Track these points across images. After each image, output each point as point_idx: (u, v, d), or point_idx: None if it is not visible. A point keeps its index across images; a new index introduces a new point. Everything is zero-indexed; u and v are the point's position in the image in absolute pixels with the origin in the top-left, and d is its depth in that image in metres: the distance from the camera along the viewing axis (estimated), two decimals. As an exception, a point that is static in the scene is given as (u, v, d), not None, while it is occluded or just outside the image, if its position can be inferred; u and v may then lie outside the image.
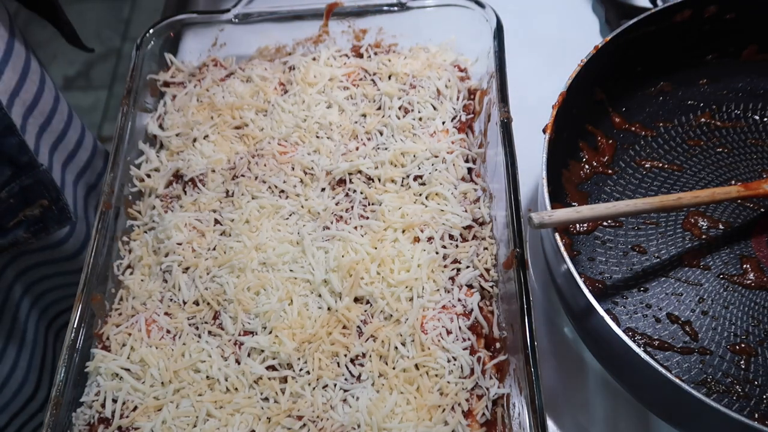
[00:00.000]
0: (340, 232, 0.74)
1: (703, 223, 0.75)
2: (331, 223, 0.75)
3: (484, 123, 0.83)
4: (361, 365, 0.67)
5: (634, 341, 0.58)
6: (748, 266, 0.72)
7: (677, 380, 0.56)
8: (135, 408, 0.66)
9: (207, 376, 0.68)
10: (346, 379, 0.67)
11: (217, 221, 0.79)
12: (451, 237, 0.74)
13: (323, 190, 0.79)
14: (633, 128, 0.84)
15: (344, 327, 0.69)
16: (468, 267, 0.72)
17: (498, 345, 0.68)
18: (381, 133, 0.83)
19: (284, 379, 0.67)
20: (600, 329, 0.60)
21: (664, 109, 0.85)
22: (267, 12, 0.93)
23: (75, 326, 0.70)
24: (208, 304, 0.73)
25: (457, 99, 0.86)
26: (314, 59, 0.91)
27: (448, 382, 0.65)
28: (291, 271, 0.73)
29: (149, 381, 0.68)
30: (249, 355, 0.69)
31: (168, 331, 0.71)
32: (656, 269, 0.73)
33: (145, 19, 2.48)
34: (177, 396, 0.67)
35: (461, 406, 0.64)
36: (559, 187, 0.78)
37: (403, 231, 0.74)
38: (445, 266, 0.72)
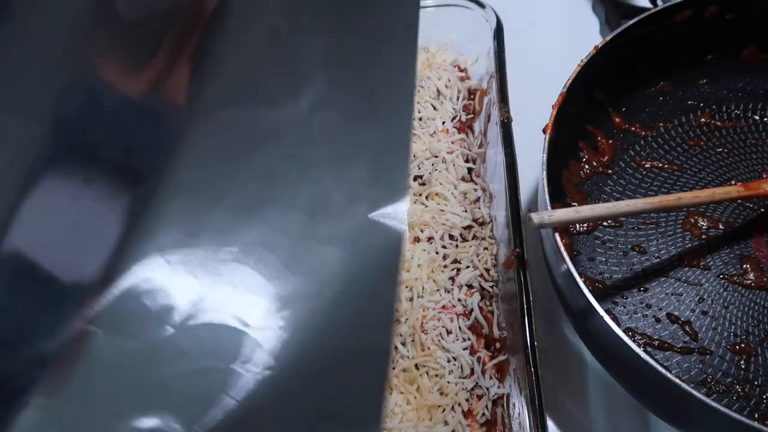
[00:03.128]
0: (340, 232, 0.73)
1: (703, 223, 0.75)
2: (331, 223, 0.75)
3: (484, 123, 0.83)
4: (361, 365, 0.67)
5: (634, 341, 0.58)
6: (748, 266, 0.72)
7: (677, 380, 0.56)
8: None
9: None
10: (345, 379, 0.67)
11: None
12: (451, 237, 0.74)
13: (323, 190, 0.79)
14: (633, 128, 0.84)
15: (344, 327, 0.69)
16: (468, 267, 0.72)
17: (498, 345, 0.68)
18: (381, 133, 0.83)
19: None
20: (600, 329, 0.60)
21: (664, 109, 0.85)
22: (267, 12, 0.93)
23: None
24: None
25: (457, 99, 0.86)
26: (314, 59, 0.91)
27: (448, 382, 0.65)
28: (291, 271, 0.73)
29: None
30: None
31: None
32: (656, 269, 0.73)
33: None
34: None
35: (461, 406, 0.64)
36: (559, 187, 0.78)
37: (403, 231, 0.74)
38: (445, 266, 0.72)
